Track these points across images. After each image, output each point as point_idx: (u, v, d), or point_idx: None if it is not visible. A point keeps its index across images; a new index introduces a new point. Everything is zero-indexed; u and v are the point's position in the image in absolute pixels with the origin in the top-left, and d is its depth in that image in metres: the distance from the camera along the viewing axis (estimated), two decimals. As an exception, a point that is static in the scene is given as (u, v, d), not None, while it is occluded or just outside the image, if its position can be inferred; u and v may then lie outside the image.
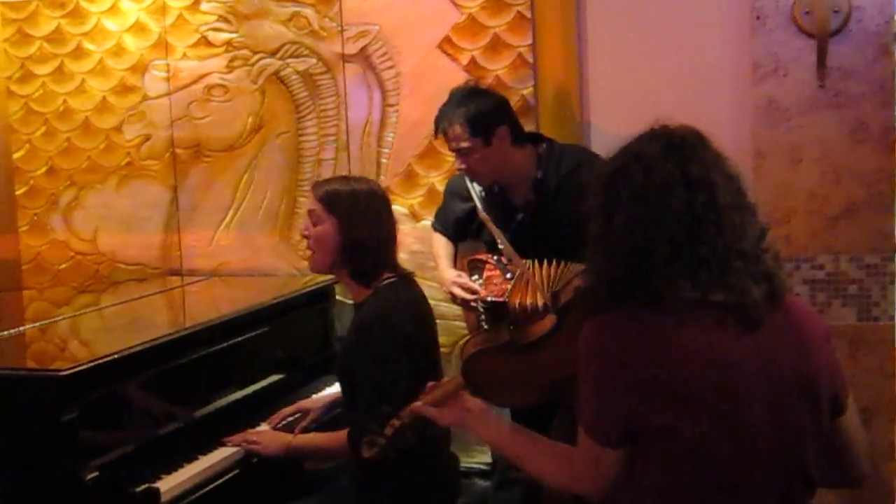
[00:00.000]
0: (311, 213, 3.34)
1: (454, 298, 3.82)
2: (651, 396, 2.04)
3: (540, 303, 3.20)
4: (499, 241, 3.40)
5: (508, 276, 3.60)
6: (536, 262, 3.41)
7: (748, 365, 2.05)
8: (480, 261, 3.76)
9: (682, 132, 2.15)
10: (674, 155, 2.10)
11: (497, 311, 3.55)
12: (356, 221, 3.26)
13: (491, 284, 3.66)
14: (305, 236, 3.37)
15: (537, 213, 3.78)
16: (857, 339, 4.01)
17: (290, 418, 3.61)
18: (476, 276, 3.73)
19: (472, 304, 3.72)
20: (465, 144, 3.70)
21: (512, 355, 2.51)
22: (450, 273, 3.92)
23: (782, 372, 2.07)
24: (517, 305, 3.35)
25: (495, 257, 3.70)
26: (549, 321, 2.46)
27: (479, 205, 3.86)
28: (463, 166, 3.77)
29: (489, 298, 3.61)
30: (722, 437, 2.03)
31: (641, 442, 2.08)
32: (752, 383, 2.04)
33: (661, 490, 2.09)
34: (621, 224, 2.10)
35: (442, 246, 4.14)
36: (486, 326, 3.57)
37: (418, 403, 2.54)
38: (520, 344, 2.50)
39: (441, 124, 3.78)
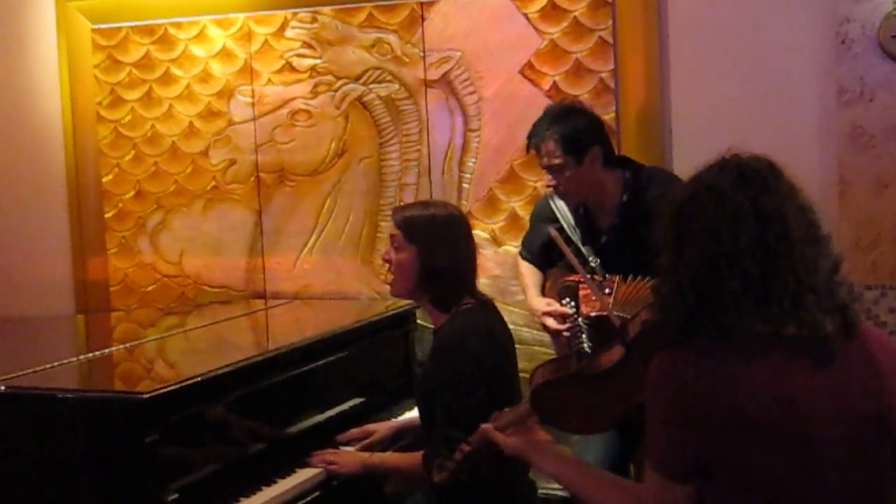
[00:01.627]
0: (392, 238, 3.35)
1: (547, 329, 3.78)
2: (721, 431, 2.01)
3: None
4: (568, 257, 3.41)
5: (607, 291, 3.56)
6: (620, 277, 3.42)
7: (821, 401, 2.01)
8: (571, 283, 3.70)
9: (754, 162, 2.12)
10: (746, 186, 2.07)
11: (601, 326, 3.51)
12: (435, 248, 3.26)
13: (590, 301, 3.61)
14: (387, 261, 3.38)
15: (621, 237, 3.74)
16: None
17: (359, 442, 3.64)
18: (567, 300, 3.68)
19: (566, 332, 3.65)
20: (556, 161, 3.69)
21: (580, 386, 2.50)
22: (539, 303, 3.87)
23: (857, 407, 2.02)
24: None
25: (589, 276, 3.63)
26: (618, 352, 2.45)
27: (564, 223, 3.84)
28: (553, 183, 3.75)
29: (592, 314, 3.56)
30: (794, 475, 2.00)
31: (712, 477, 2.05)
32: (825, 420, 2.00)
33: None
34: (691, 258, 2.08)
35: (529, 275, 4.08)
36: (586, 347, 3.52)
37: (487, 426, 2.54)
38: (588, 375, 2.49)
39: (534, 139, 3.77)
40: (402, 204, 3.66)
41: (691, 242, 2.09)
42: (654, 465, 2.13)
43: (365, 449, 3.57)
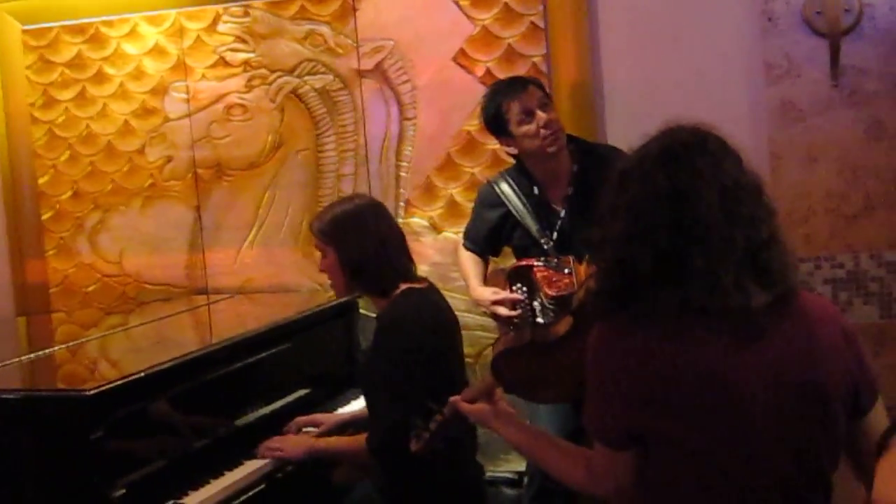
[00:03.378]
0: (316, 247, 3.46)
1: (497, 318, 3.73)
2: (648, 406, 2.06)
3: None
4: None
5: (567, 270, 3.53)
6: (574, 257, 3.45)
7: (750, 373, 2.04)
8: (522, 268, 3.66)
9: (685, 135, 2.14)
10: (668, 164, 2.09)
11: (566, 304, 3.49)
12: (348, 243, 3.33)
13: (552, 283, 3.55)
14: (322, 270, 3.47)
15: (577, 208, 3.74)
16: (880, 336, 4.01)
17: (305, 428, 3.67)
18: (519, 286, 3.65)
19: (517, 319, 3.61)
20: (547, 100, 3.78)
21: (537, 355, 2.56)
22: (485, 292, 3.80)
23: (789, 377, 2.05)
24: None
25: (542, 259, 3.64)
26: (567, 322, 2.50)
27: (510, 207, 3.84)
28: (553, 116, 3.73)
29: (557, 294, 3.48)
30: (723, 447, 2.04)
31: (647, 448, 2.10)
32: (754, 392, 2.03)
33: (670, 494, 2.12)
34: (616, 233, 2.11)
35: (471, 265, 4.03)
36: (540, 320, 3.52)
37: (456, 398, 2.60)
38: (540, 343, 2.54)
39: (519, 81, 3.87)
40: (318, 212, 3.67)
41: (617, 218, 2.12)
42: (591, 432, 2.18)
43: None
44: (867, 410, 2.17)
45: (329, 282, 3.47)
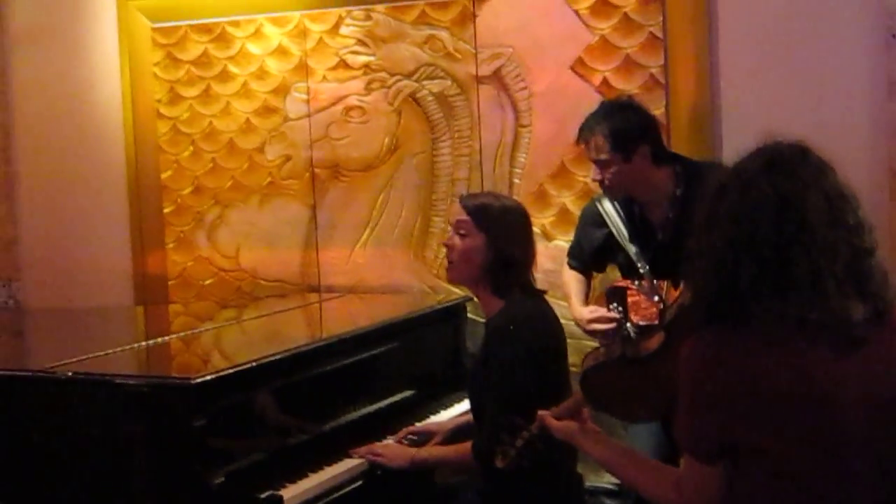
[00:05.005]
0: (458, 224, 3.38)
1: (594, 335, 3.79)
2: (743, 416, 2.04)
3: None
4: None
5: (656, 298, 3.57)
6: (669, 282, 3.42)
7: (846, 386, 2.01)
8: (619, 288, 3.71)
9: (786, 148, 2.14)
10: (771, 172, 2.08)
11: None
12: (507, 237, 3.31)
13: (640, 309, 3.62)
14: (448, 246, 3.40)
15: (676, 231, 3.70)
16: None
17: (415, 437, 3.65)
18: (615, 305, 3.69)
19: (612, 332, 3.66)
20: (604, 156, 3.69)
21: (627, 371, 2.54)
22: (583, 311, 3.87)
23: (884, 393, 2.03)
24: None
25: (636, 282, 3.67)
26: (658, 338, 2.48)
27: (612, 229, 3.85)
28: (598, 177, 3.75)
29: (641, 323, 3.57)
30: (816, 459, 2.01)
31: (738, 460, 2.08)
32: (849, 405, 2.01)
33: None
34: (716, 242, 2.10)
35: (573, 284, 4.07)
36: (631, 333, 3.53)
37: (544, 412, 2.60)
38: (632, 359, 2.52)
39: (584, 133, 3.77)
40: (469, 193, 3.65)
41: (717, 227, 2.11)
42: (683, 445, 2.17)
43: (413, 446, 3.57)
44: None
45: (452, 262, 3.40)
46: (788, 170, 2.09)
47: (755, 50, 4.36)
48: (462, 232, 3.35)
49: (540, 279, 4.32)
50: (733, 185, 2.12)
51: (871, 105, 4.14)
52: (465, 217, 3.35)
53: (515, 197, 4.70)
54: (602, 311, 3.74)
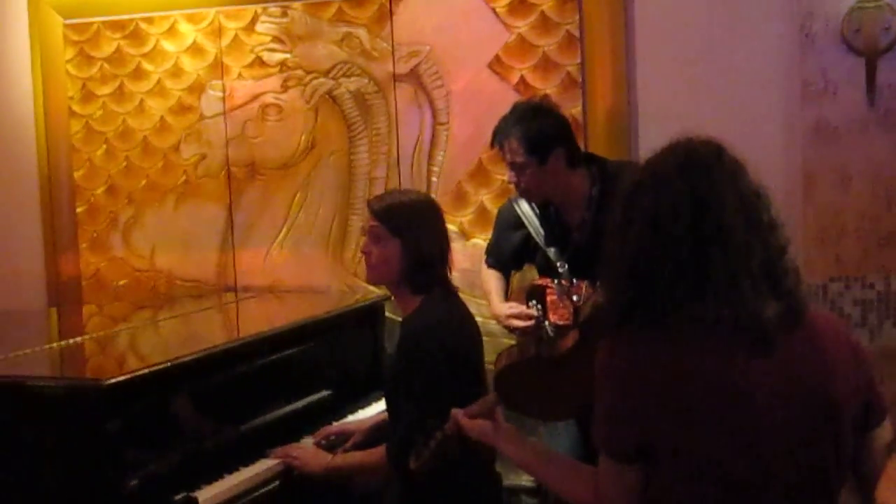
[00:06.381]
0: (371, 230, 3.31)
1: (513, 331, 3.81)
2: (659, 417, 2.03)
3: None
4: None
5: (575, 298, 3.57)
6: (587, 283, 3.43)
7: (762, 386, 2.01)
8: (539, 286, 3.73)
9: (701, 147, 2.13)
10: (687, 173, 2.07)
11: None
12: (420, 237, 3.26)
13: (557, 309, 3.64)
14: (365, 253, 3.34)
15: (593, 231, 3.70)
16: (908, 359, 3.96)
17: (333, 437, 3.63)
18: (534, 302, 3.71)
19: (530, 329, 3.68)
20: (519, 160, 3.66)
21: (541, 370, 2.52)
22: (503, 307, 3.88)
23: (801, 392, 2.03)
24: None
25: (556, 282, 3.68)
26: (573, 337, 2.47)
27: (530, 230, 3.86)
28: (514, 180, 3.74)
29: (559, 323, 3.59)
30: (734, 460, 2.01)
31: (656, 460, 2.07)
32: (766, 404, 2.01)
33: None
34: (631, 243, 2.09)
35: (493, 283, 4.08)
36: (549, 332, 3.55)
37: (458, 411, 2.57)
38: (547, 358, 2.51)
39: (498, 136, 3.74)
40: (375, 195, 3.62)
41: (632, 228, 2.10)
42: (600, 446, 2.15)
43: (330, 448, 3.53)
44: (875, 427, 2.16)
45: (371, 267, 3.34)
46: (704, 170, 2.08)
47: (671, 50, 4.40)
48: (375, 237, 3.29)
49: (457, 278, 4.32)
50: (648, 184, 2.11)
51: (785, 107, 4.19)
52: (375, 223, 3.30)
53: (433, 196, 4.70)
54: (521, 308, 3.75)
